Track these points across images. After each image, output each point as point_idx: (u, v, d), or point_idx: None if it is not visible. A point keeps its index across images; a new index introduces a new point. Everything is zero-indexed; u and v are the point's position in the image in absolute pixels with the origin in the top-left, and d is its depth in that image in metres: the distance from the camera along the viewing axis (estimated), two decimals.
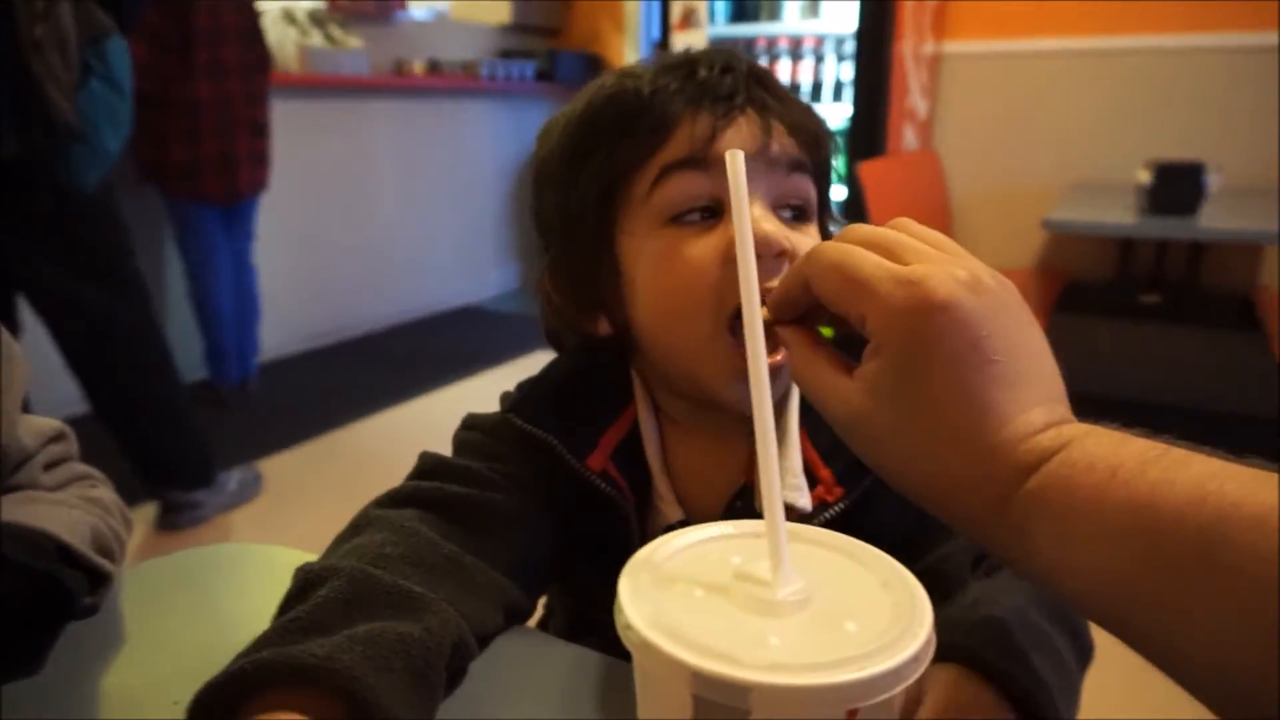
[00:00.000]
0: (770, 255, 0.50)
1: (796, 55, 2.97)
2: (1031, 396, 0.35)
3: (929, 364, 0.34)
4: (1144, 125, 3.06)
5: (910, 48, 2.89)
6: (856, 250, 0.37)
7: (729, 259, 0.43)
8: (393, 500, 0.55)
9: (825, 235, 0.59)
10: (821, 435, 0.57)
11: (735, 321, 0.50)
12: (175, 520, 2.26)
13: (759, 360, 0.34)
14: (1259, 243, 2.88)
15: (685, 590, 0.32)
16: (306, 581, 0.44)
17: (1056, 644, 0.47)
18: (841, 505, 0.54)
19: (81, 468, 0.65)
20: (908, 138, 3.03)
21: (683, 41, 2.93)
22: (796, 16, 3.02)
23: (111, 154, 1.93)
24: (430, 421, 3.03)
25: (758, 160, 0.53)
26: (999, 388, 0.34)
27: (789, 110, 0.56)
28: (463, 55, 4.54)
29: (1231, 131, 2.94)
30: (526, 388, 0.62)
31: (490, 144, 4.70)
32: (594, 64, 5.13)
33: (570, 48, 5.13)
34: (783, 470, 0.55)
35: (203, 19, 2.66)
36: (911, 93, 2.99)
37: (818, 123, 0.58)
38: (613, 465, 0.57)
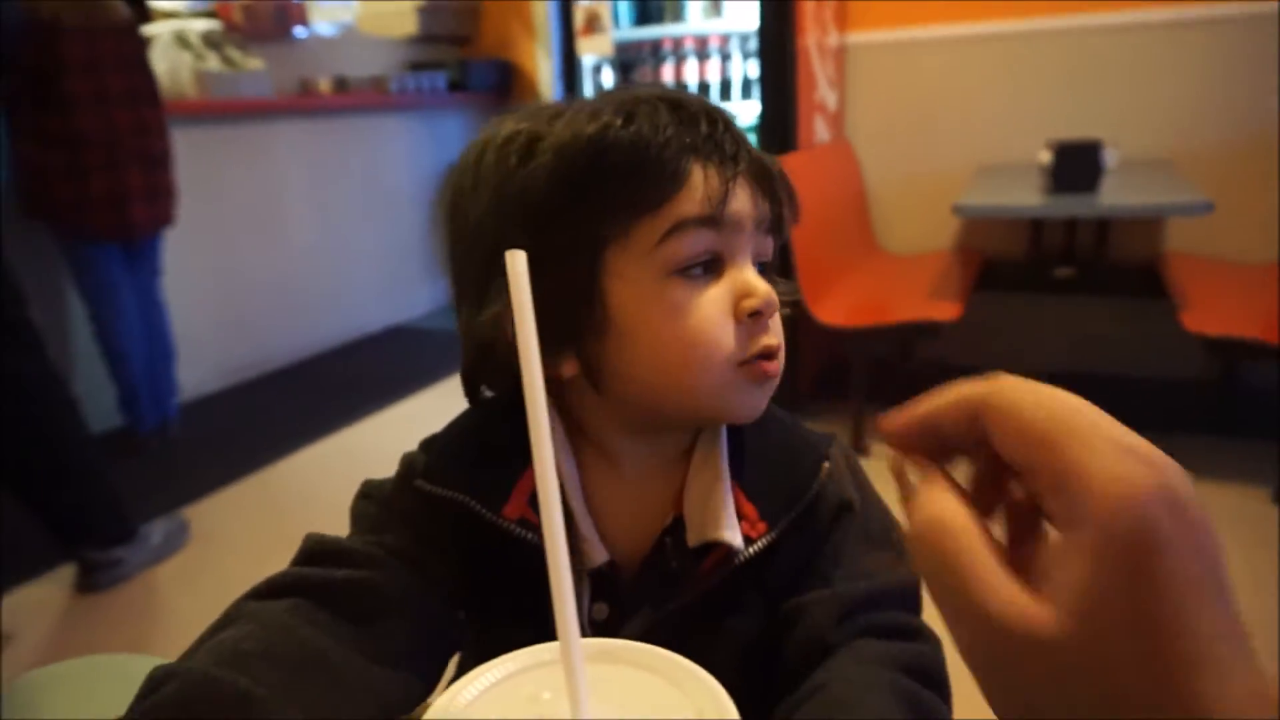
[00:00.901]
0: (769, 314, 0.54)
1: (703, 55, 2.96)
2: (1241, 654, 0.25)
3: (1166, 579, 0.24)
4: (1043, 106, 3.13)
5: (814, 41, 2.91)
6: (1071, 398, 0.29)
7: (731, 311, 0.53)
8: (270, 588, 0.52)
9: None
10: (744, 470, 0.58)
11: (741, 365, 0.55)
12: (96, 580, 2.16)
13: (544, 461, 0.31)
14: (1158, 215, 2.96)
15: None
16: (150, 685, 0.43)
17: None
18: (765, 541, 0.56)
19: None
20: (819, 130, 3.05)
21: (588, 47, 2.91)
22: (700, 16, 3.02)
23: None
24: (365, 449, 2.96)
25: (748, 221, 0.55)
26: (1225, 632, 0.25)
27: (765, 169, 0.57)
28: (370, 70, 4.44)
29: (1126, 107, 3.03)
30: (434, 446, 0.62)
31: (406, 159, 4.61)
32: (506, 71, 5.07)
33: (482, 56, 5.06)
34: (715, 507, 0.56)
35: (75, 48, 2.54)
36: (819, 86, 3.01)
37: (785, 180, 0.59)
38: (531, 511, 0.56)
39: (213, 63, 3.77)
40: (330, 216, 4.17)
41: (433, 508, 0.57)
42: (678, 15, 2.96)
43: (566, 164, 0.53)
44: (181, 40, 3.75)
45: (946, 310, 2.55)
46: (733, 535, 0.55)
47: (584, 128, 0.53)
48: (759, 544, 0.56)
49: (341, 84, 4.23)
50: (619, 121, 0.53)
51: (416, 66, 4.79)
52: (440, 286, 4.81)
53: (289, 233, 3.97)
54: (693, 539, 0.56)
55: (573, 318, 0.55)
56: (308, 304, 4.06)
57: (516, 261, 0.31)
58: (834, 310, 2.57)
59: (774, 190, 0.57)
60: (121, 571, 2.18)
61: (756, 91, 2.91)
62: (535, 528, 0.55)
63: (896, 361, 3.12)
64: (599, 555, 0.58)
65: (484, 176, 0.56)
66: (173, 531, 2.35)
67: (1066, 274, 3.01)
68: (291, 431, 3.08)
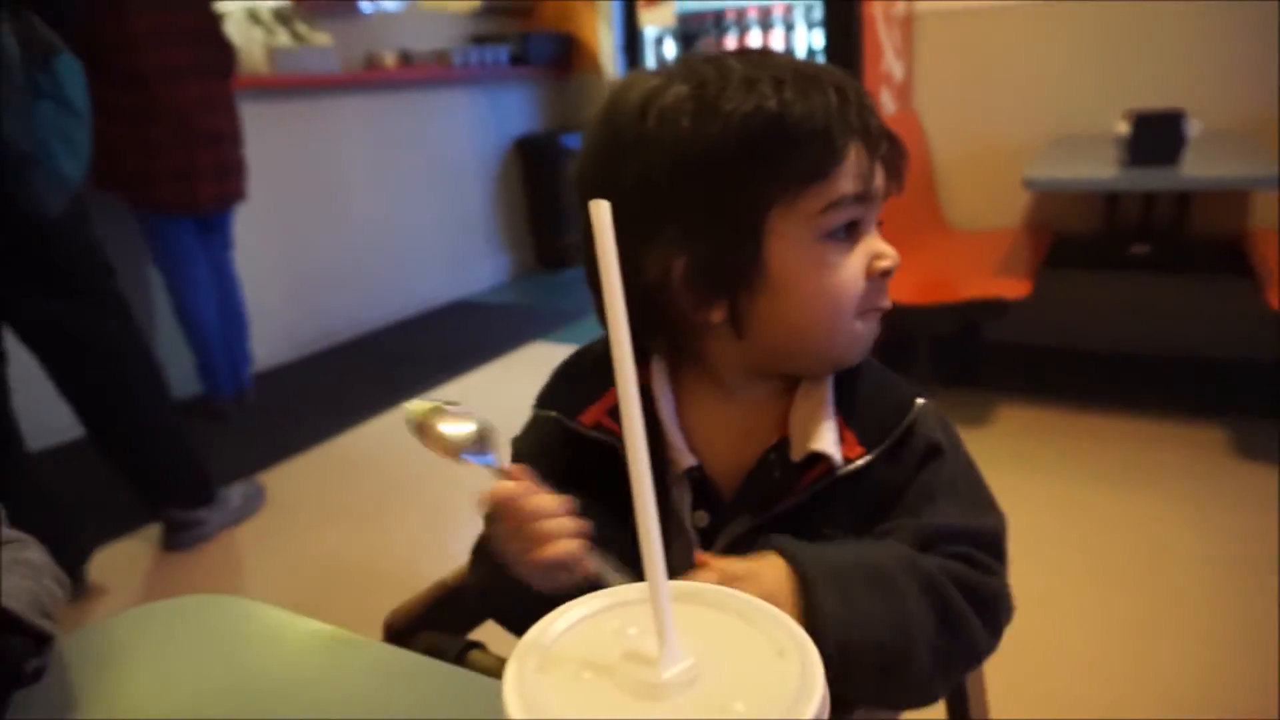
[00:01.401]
0: (889, 267, 0.64)
1: (766, 25, 2.92)
2: None
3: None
4: (1119, 75, 3.01)
5: (880, 10, 2.84)
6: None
7: (864, 270, 0.63)
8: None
9: None
10: (844, 401, 0.66)
11: (862, 313, 0.65)
12: (180, 540, 2.25)
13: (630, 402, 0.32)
14: (1243, 188, 2.84)
15: (571, 673, 0.30)
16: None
17: (901, 593, 0.56)
18: (862, 461, 0.63)
19: (10, 531, 0.64)
20: (885, 101, 2.99)
21: (650, 19, 2.88)
22: None
23: (71, 178, 1.89)
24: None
25: (881, 193, 0.64)
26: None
27: (895, 143, 0.65)
28: (434, 44, 4.48)
29: (1209, 77, 2.89)
30: (551, 377, 0.73)
31: (469, 132, 4.65)
32: (568, 44, 5.07)
33: (543, 29, 5.07)
34: (819, 427, 0.63)
35: (143, 21, 2.59)
36: (885, 56, 2.94)
37: (906, 155, 0.66)
38: (609, 418, 0.65)
39: (283, 38, 3.84)
40: (395, 190, 4.24)
41: (542, 428, 0.69)
42: None
43: (751, 133, 0.58)
44: (253, 16, 3.83)
45: (1015, 288, 2.49)
46: (833, 450, 0.62)
47: (766, 99, 0.58)
48: (856, 463, 0.63)
49: (406, 58, 4.28)
50: (796, 97, 0.59)
51: (479, 40, 4.81)
52: (501, 262, 4.89)
53: (355, 206, 4.04)
54: (797, 453, 0.63)
55: (733, 270, 0.61)
56: (373, 277, 4.13)
57: (601, 212, 0.32)
58: (898, 286, 2.51)
59: (896, 164, 0.64)
60: (203, 531, 2.27)
61: (821, 61, 2.86)
62: (611, 433, 0.64)
63: (963, 340, 3.06)
64: (685, 460, 0.65)
65: (650, 134, 0.60)
66: (250, 495, 2.44)
67: (1143, 250, 2.91)
68: (358, 402, 3.15)
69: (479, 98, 4.69)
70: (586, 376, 0.68)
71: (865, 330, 0.65)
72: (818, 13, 2.84)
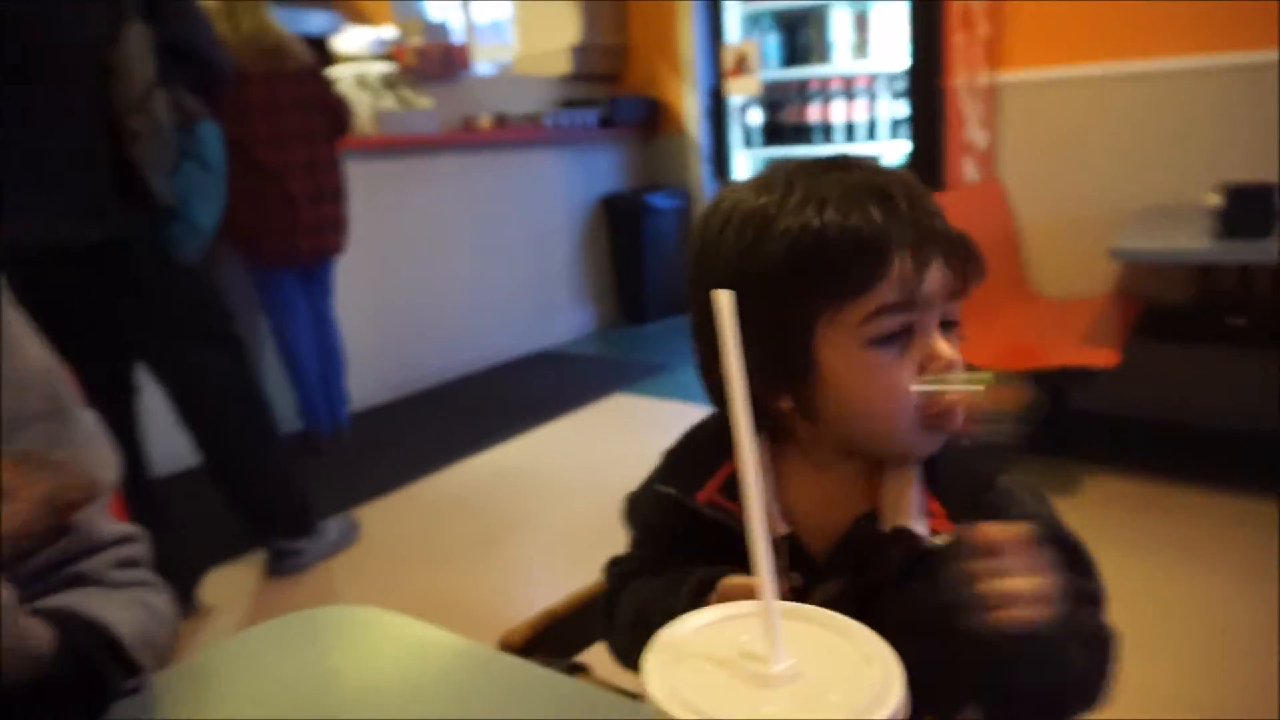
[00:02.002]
0: (944, 369, 0.65)
1: (850, 95, 3.00)
2: None
3: None
4: (1208, 147, 2.99)
5: (964, 80, 2.90)
6: None
7: (917, 374, 0.65)
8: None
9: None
10: (933, 474, 0.69)
11: (922, 417, 0.66)
12: (280, 567, 2.39)
13: (750, 482, 0.39)
14: None
15: (697, 665, 0.37)
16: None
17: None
18: (949, 538, 0.65)
19: (147, 574, 0.71)
20: (968, 170, 3.03)
21: (736, 87, 3.00)
22: (847, 57, 3.06)
23: (206, 229, 2.08)
24: (513, 467, 3.13)
25: (937, 297, 0.65)
26: None
27: (957, 245, 0.66)
28: (527, 107, 4.71)
29: None
30: (667, 454, 0.79)
31: (558, 190, 4.85)
32: (653, 107, 5.26)
33: (630, 93, 5.27)
34: (906, 502, 0.67)
35: (258, 92, 2.83)
36: (968, 125, 2.99)
37: (976, 255, 0.67)
38: (720, 496, 0.71)
39: (388, 102, 4.10)
40: (486, 243, 4.44)
41: (663, 503, 0.74)
42: (824, 56, 3.01)
43: (794, 254, 0.65)
44: (362, 82, 4.11)
45: (1103, 356, 2.47)
46: (920, 526, 0.66)
47: (810, 220, 0.65)
48: (943, 538, 0.65)
49: (501, 120, 4.51)
50: (838, 217, 0.64)
51: (569, 104, 5.04)
52: (585, 314, 5.05)
53: (448, 258, 4.25)
54: (885, 526, 0.67)
55: (789, 369, 0.68)
56: (463, 326, 4.32)
57: (724, 301, 0.39)
58: (983, 353, 2.53)
59: (964, 264, 0.66)
60: (302, 561, 2.40)
61: (904, 131, 2.92)
62: (724, 510, 0.70)
63: (1049, 409, 3.03)
64: (779, 529, 0.70)
65: (724, 247, 0.68)
66: (345, 529, 2.57)
67: (1239, 323, 2.85)
68: (447, 445, 3.29)
69: (568, 158, 4.90)
70: (700, 455, 0.74)
71: (931, 431, 0.67)
72: (901, 84, 2.92)
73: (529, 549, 2.57)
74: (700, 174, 5.25)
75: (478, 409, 3.84)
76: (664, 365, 4.28)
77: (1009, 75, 3.28)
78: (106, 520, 0.69)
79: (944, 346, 0.66)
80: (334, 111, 3.12)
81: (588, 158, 5.01)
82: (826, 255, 0.64)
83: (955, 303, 0.67)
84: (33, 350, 0.65)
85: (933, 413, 0.66)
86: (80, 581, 0.65)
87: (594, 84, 5.22)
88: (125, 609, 0.64)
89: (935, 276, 0.65)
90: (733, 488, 0.71)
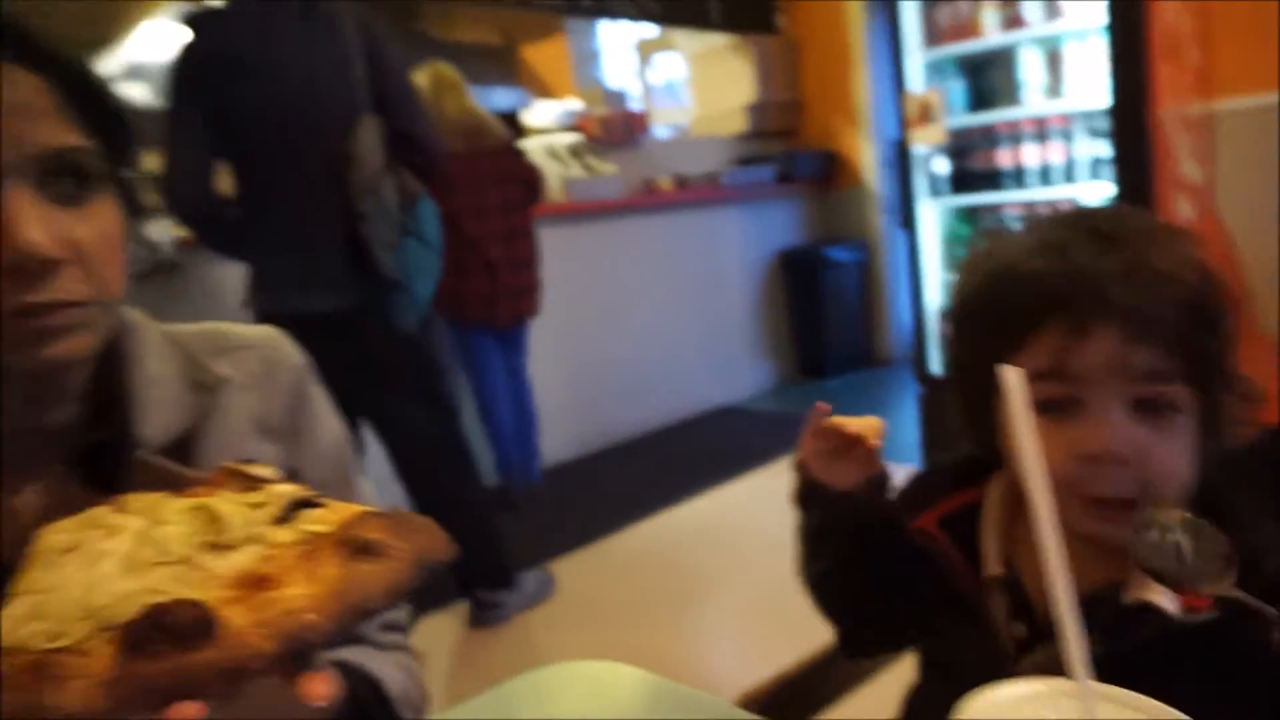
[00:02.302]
0: (1106, 462, 0.59)
1: (1042, 137, 2.88)
2: None
3: None
4: None
5: (1172, 113, 2.72)
6: None
7: (1072, 457, 0.59)
8: None
9: (1210, 418, 0.63)
10: None
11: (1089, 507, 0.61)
12: (482, 618, 2.50)
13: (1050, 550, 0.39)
14: None
15: None
16: None
17: None
18: (1211, 615, 0.58)
19: (404, 639, 0.77)
20: (1183, 208, 2.82)
21: (921, 137, 2.96)
22: (1039, 97, 2.95)
23: (424, 299, 2.27)
24: (703, 523, 3.15)
25: (1105, 371, 0.59)
26: None
27: (1157, 305, 0.59)
28: (705, 167, 4.83)
29: None
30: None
31: (737, 246, 4.91)
32: (830, 161, 5.25)
33: (806, 148, 5.29)
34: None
35: (460, 168, 3.05)
36: (1180, 160, 2.79)
37: (1189, 313, 0.60)
38: (938, 527, 0.71)
39: (575, 170, 4.33)
40: (668, 301, 4.55)
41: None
42: (1014, 98, 2.92)
43: (983, 292, 0.68)
44: (551, 152, 4.36)
45: None
46: (1167, 602, 0.60)
47: (997, 264, 0.66)
48: (1203, 616, 0.58)
49: (680, 181, 4.64)
50: (1018, 262, 0.63)
51: (746, 161, 5.12)
52: (765, 369, 5.04)
53: (633, 316, 4.39)
54: (1128, 596, 0.62)
55: (973, 412, 0.70)
56: (648, 382, 4.43)
57: (1012, 379, 0.40)
58: None
59: (1160, 339, 0.59)
60: (502, 613, 2.51)
61: (1106, 171, 2.77)
62: (934, 540, 0.70)
63: None
64: (992, 568, 0.68)
65: (961, 282, 0.73)
66: (542, 582, 2.67)
67: None
68: (637, 500, 3.36)
69: (746, 214, 4.96)
70: (926, 487, 0.76)
71: (1095, 517, 0.61)
72: (1100, 122, 2.77)
73: (723, 607, 2.57)
74: (880, 225, 5.17)
75: (665, 464, 3.90)
76: None
77: (1225, 104, 3.04)
78: None
79: (1103, 429, 0.58)
80: (529, 182, 3.33)
81: (765, 213, 5.06)
82: (996, 299, 0.64)
83: (1154, 387, 0.59)
84: (330, 422, 0.74)
85: (1090, 497, 0.60)
86: (355, 639, 0.71)
87: (770, 140, 5.28)
88: (393, 669, 0.70)
89: (1105, 349, 0.58)
90: (951, 522, 0.71)
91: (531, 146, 4.16)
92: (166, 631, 0.35)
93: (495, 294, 3.19)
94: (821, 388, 4.95)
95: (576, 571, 2.83)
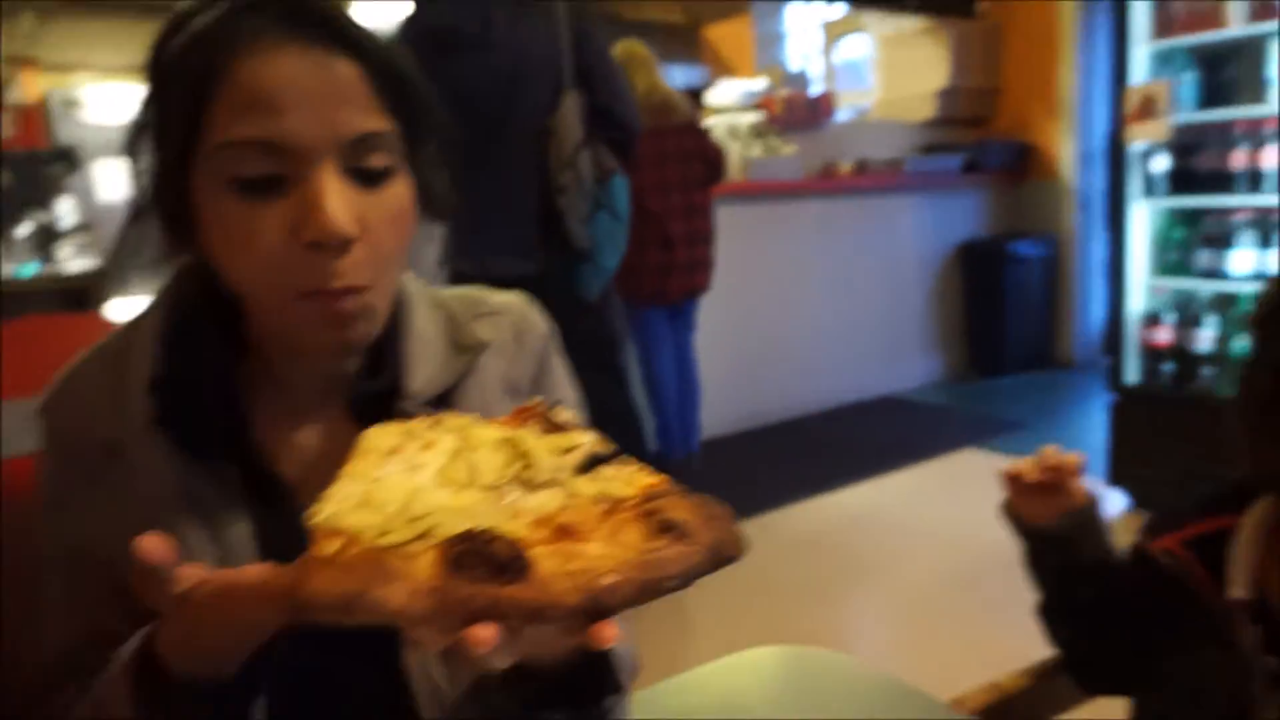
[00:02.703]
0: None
1: None
2: None
3: None
4: None
5: None
6: None
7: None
8: None
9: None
10: None
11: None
12: None
13: None
14: None
15: None
16: None
17: None
18: None
19: None
20: None
21: (1139, 133, 2.75)
22: None
23: (610, 270, 2.33)
24: (862, 511, 3.11)
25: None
26: None
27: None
28: (888, 153, 4.68)
29: None
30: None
31: (915, 236, 4.75)
32: (1023, 152, 4.97)
33: (998, 137, 5.03)
34: None
35: (647, 145, 3.07)
36: None
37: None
38: (1183, 548, 0.69)
39: (756, 150, 4.30)
40: (839, 286, 4.47)
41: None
42: (1258, 95, 2.64)
43: None
44: (733, 131, 4.35)
45: None
46: None
47: None
48: None
49: (861, 166, 4.53)
50: None
51: (931, 148, 4.92)
52: (934, 362, 4.87)
53: (803, 299, 4.34)
54: None
55: None
56: (813, 365, 4.38)
57: None
58: None
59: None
60: None
61: None
62: (1177, 559, 0.69)
63: None
64: (1236, 590, 0.67)
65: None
66: None
67: None
68: (793, 482, 3.35)
69: (927, 203, 4.78)
70: (1180, 513, 0.73)
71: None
72: None
73: (879, 596, 2.53)
74: (1073, 222, 4.86)
75: (825, 448, 3.85)
76: (1022, 423, 3.99)
77: None
78: None
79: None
80: (711, 161, 3.33)
81: (948, 203, 4.86)
82: None
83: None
84: (568, 390, 0.78)
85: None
86: None
87: (958, 128, 5.06)
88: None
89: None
90: (1199, 545, 0.69)
91: (714, 125, 4.16)
92: (487, 560, 0.37)
93: (670, 269, 3.23)
94: (995, 385, 4.73)
95: None
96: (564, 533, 0.41)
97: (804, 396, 4.31)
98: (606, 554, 0.40)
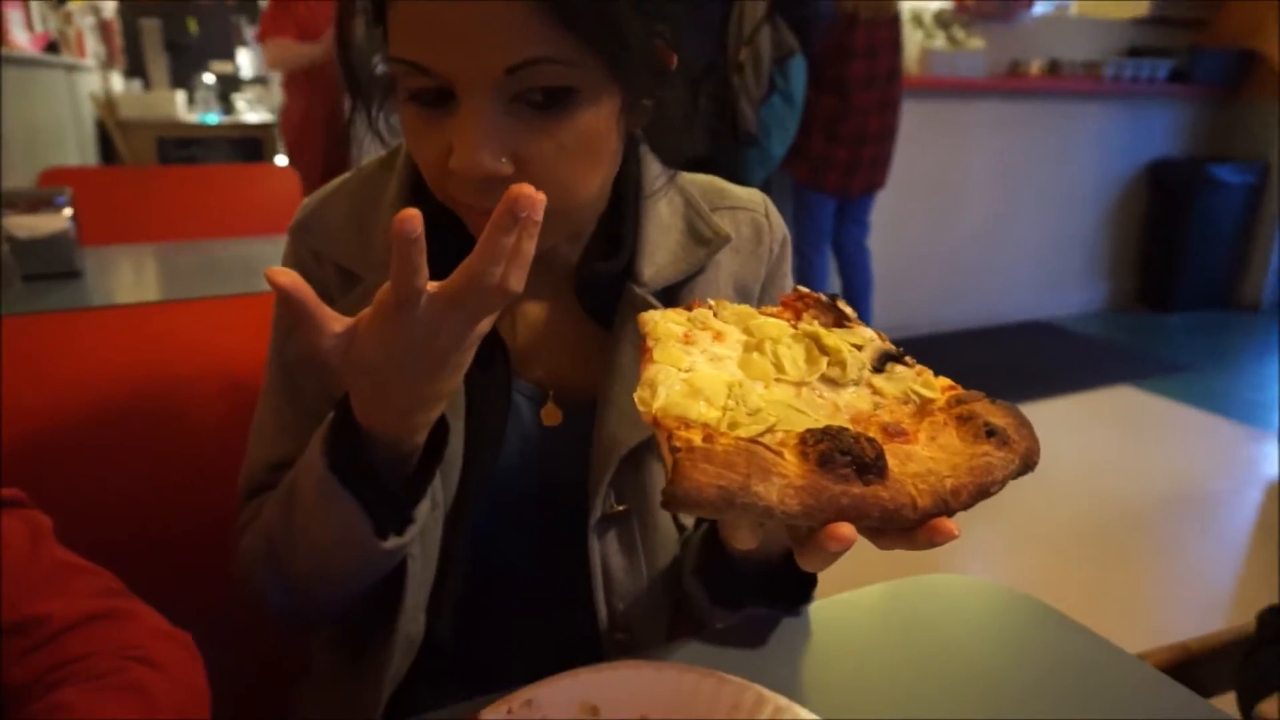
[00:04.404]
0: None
1: None
2: None
3: None
4: None
5: None
6: None
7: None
8: None
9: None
10: None
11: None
12: None
13: None
14: None
15: None
16: None
17: None
18: None
19: None
20: None
21: None
22: None
23: (776, 158, 2.26)
24: None
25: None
26: None
27: None
28: (1087, 54, 4.26)
29: None
30: None
31: (1101, 152, 4.38)
32: (1245, 63, 4.44)
33: (1217, 44, 4.49)
34: None
35: (861, 37, 2.89)
36: None
37: None
38: None
39: (939, 41, 4.00)
40: (1006, 198, 4.19)
41: None
42: None
43: None
44: (916, 19, 4.04)
45: None
46: None
47: None
48: None
49: (1053, 67, 4.15)
50: None
51: (1136, 52, 4.45)
52: (1098, 290, 4.55)
53: (964, 208, 4.10)
54: None
55: None
56: (965, 280, 4.18)
57: None
58: None
59: None
60: None
61: None
62: None
63: None
64: None
65: None
66: None
67: None
68: None
69: (1120, 114, 4.37)
70: None
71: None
72: None
73: (1018, 530, 2.46)
74: None
75: (970, 368, 3.71)
76: (1188, 365, 3.72)
77: None
78: None
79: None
80: (901, 51, 3.13)
81: (1146, 116, 4.43)
82: None
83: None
84: None
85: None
86: None
87: (1172, 31, 4.55)
88: None
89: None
90: None
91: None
92: (853, 459, 0.37)
93: (858, 165, 3.09)
94: (1162, 321, 4.41)
95: None
96: (889, 433, 0.40)
97: (953, 312, 4.13)
98: (936, 456, 0.39)
